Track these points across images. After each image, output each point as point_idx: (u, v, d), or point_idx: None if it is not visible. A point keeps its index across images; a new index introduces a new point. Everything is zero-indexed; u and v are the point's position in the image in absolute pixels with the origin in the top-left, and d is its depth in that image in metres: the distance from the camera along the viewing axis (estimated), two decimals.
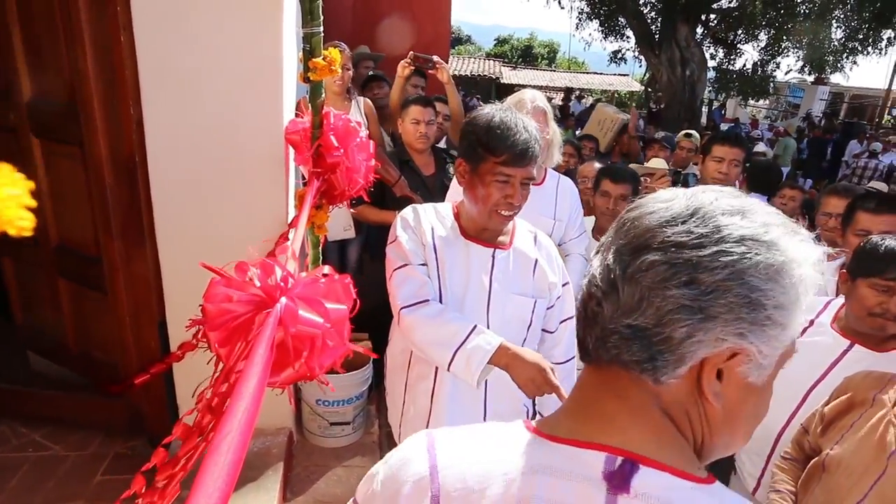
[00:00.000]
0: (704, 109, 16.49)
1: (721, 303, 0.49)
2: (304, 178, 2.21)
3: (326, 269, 1.29)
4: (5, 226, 0.27)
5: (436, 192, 2.67)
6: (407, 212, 1.50)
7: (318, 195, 1.90)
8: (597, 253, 0.58)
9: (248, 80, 1.80)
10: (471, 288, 1.41)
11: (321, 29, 1.75)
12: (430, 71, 2.97)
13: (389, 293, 1.45)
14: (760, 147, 7.50)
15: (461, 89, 15.09)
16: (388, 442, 2.50)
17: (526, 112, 1.95)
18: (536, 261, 1.46)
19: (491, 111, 1.36)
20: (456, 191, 2.18)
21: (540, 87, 19.13)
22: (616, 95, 20.66)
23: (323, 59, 1.78)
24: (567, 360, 1.55)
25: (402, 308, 1.38)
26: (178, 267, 2.01)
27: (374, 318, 2.51)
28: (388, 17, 5.67)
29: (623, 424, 0.54)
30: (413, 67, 2.94)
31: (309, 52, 1.76)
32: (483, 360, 1.28)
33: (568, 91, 17.81)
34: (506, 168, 1.31)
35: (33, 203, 0.30)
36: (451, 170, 2.73)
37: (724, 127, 14.19)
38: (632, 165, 3.54)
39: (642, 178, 2.97)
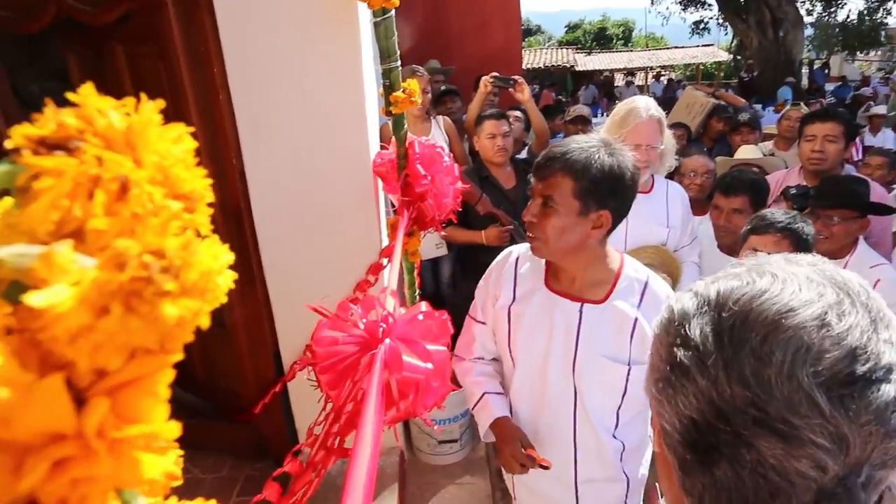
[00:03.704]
0: (805, 71, 15.12)
1: None
2: (393, 205, 2.28)
3: (424, 305, 1.32)
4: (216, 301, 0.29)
5: (518, 204, 2.65)
6: (500, 257, 1.42)
7: (409, 223, 1.96)
8: (770, 385, 0.41)
9: (334, 122, 1.89)
10: (554, 348, 1.27)
11: (399, 63, 1.80)
12: (510, 90, 2.96)
13: None
14: (879, 109, 6.63)
15: (535, 81, 14.86)
16: (495, 455, 2.52)
17: (640, 121, 1.91)
18: (636, 320, 1.23)
19: (610, 158, 1.17)
20: None
21: (618, 70, 18.47)
22: (702, 68, 19.44)
23: (403, 91, 1.83)
24: None
25: (453, 355, 1.45)
26: (286, 300, 2.14)
27: None
28: (459, 29, 5.71)
29: None
30: (494, 86, 2.94)
31: (389, 87, 1.81)
32: (483, 428, 1.39)
33: (629, 74, 16.90)
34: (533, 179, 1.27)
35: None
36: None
37: (829, 87, 12.94)
38: (718, 159, 3.25)
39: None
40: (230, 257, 0.29)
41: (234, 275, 0.29)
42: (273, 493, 1.20)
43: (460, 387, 2.36)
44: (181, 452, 0.33)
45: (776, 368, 0.41)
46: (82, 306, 0.25)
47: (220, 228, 2.10)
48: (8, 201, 0.29)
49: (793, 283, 0.44)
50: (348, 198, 1.99)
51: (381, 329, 1.21)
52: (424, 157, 1.93)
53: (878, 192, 2.36)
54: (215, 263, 0.28)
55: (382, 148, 2.03)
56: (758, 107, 7.65)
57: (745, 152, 3.33)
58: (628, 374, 1.24)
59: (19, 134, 0.27)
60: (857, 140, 4.82)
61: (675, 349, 0.46)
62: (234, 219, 2.08)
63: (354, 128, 1.91)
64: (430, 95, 3.04)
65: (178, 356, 0.28)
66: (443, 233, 2.55)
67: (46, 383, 0.25)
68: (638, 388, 1.26)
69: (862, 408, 0.39)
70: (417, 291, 2.26)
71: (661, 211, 2.05)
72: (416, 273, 2.23)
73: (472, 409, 1.44)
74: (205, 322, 0.27)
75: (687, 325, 0.46)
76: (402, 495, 2.21)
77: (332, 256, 2.04)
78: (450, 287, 3.24)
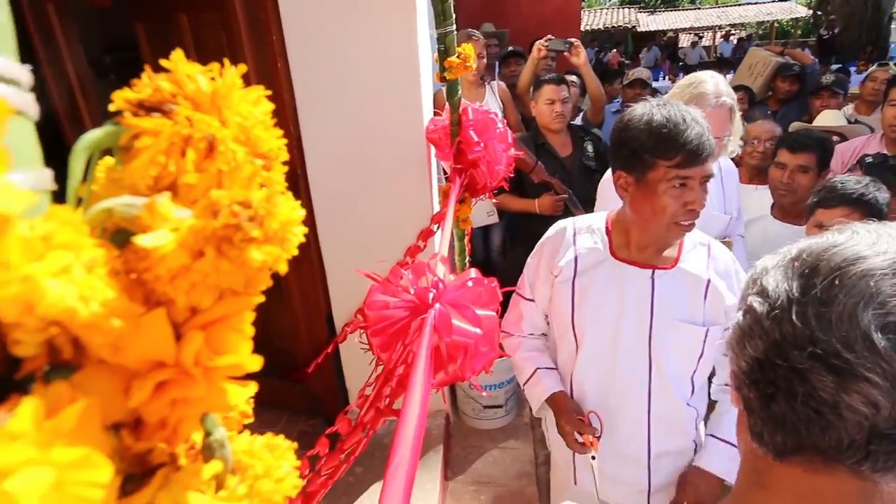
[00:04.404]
0: (894, 27, 13.84)
1: None
2: (445, 172, 2.29)
3: (473, 272, 1.33)
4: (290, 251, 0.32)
5: (574, 172, 2.60)
6: (552, 231, 1.39)
7: (461, 190, 1.96)
8: (829, 324, 0.43)
9: (388, 88, 1.90)
10: (627, 317, 1.26)
11: (454, 28, 1.78)
12: (565, 53, 2.87)
13: None
14: None
15: (595, 43, 14.29)
16: (539, 423, 2.55)
17: (708, 111, 1.64)
18: (709, 281, 1.24)
19: (646, 109, 1.18)
20: (605, 199, 2.07)
21: (684, 30, 17.48)
22: (777, 26, 18.11)
23: (457, 56, 1.81)
24: None
25: (501, 330, 1.47)
26: (339, 266, 2.21)
27: None
28: None
29: None
30: (548, 51, 2.87)
31: (444, 52, 1.80)
32: (537, 403, 1.41)
33: (695, 34, 15.85)
34: (682, 170, 1.12)
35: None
36: (590, 148, 2.64)
37: None
38: (795, 124, 3.05)
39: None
40: (303, 212, 0.32)
41: (305, 228, 0.32)
42: (324, 448, 1.27)
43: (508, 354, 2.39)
44: (252, 393, 0.37)
45: (838, 310, 0.42)
46: (181, 249, 0.29)
47: None
48: (110, 160, 0.33)
49: (871, 236, 0.45)
50: (401, 164, 2.01)
51: (431, 294, 1.24)
52: (478, 124, 1.92)
53: None
54: (294, 214, 0.31)
55: (436, 114, 2.03)
56: (835, 68, 7.08)
57: (827, 118, 3.09)
58: (706, 337, 1.25)
59: (121, 98, 0.31)
60: None
61: (751, 297, 0.49)
62: (290, 185, 2.11)
63: (409, 94, 1.92)
64: (485, 60, 2.99)
65: (260, 298, 0.32)
66: (495, 200, 2.55)
67: (152, 315, 0.29)
68: (711, 351, 1.27)
69: None
70: (467, 259, 2.28)
71: (718, 197, 1.90)
72: (466, 240, 2.24)
73: (524, 384, 1.44)
74: (283, 268, 0.31)
75: (764, 277, 0.49)
76: (447, 456, 2.28)
77: (385, 222, 2.08)
78: (500, 255, 3.25)
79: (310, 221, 2.15)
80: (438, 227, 2.06)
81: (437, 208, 2.14)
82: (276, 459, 0.38)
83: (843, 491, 0.46)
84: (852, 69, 7.21)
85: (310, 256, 2.23)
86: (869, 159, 2.19)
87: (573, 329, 1.33)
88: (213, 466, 0.34)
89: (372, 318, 1.29)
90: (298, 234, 0.31)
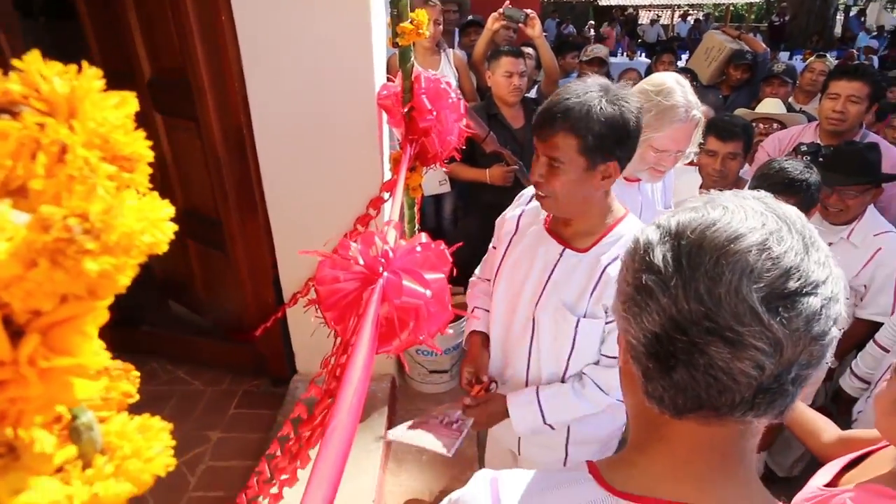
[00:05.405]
0: (839, 18, 14.38)
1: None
2: (398, 139, 2.27)
3: (423, 237, 1.35)
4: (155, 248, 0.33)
5: (526, 144, 2.62)
6: (522, 194, 1.48)
7: (412, 158, 1.95)
8: (720, 300, 0.47)
9: (339, 50, 1.85)
10: (529, 282, 1.32)
11: None
12: (520, 24, 2.86)
13: None
14: None
15: (556, 15, 14.19)
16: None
17: (677, 126, 1.54)
18: (602, 274, 1.22)
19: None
20: None
21: (644, 7, 17.58)
22: (732, 9, 18.48)
23: (410, 22, 1.78)
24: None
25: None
26: (287, 230, 2.18)
27: (467, 272, 2.59)
28: None
29: (718, 479, 0.54)
30: (503, 21, 2.85)
31: (396, 17, 1.76)
32: (463, 338, 1.54)
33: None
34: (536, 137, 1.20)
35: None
36: None
37: (864, 38, 12.35)
38: (739, 111, 3.16)
39: (753, 125, 2.64)
40: (169, 211, 0.33)
41: (173, 227, 0.33)
42: (304, 412, 1.30)
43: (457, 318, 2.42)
44: (137, 374, 0.40)
45: (725, 286, 0.47)
46: (14, 259, 0.29)
47: (222, 155, 2.11)
48: None
49: (740, 213, 0.50)
50: (352, 129, 1.98)
51: (380, 264, 1.24)
52: (430, 92, 1.90)
53: (891, 155, 2.31)
54: (138, 224, 0.32)
55: (389, 80, 1.99)
56: (784, 55, 7.33)
57: (768, 106, 3.19)
58: (577, 325, 1.26)
59: None
60: None
61: (641, 273, 0.52)
62: (236, 146, 2.08)
63: (360, 58, 1.87)
64: (441, 27, 2.94)
65: (108, 302, 0.33)
66: (446, 169, 2.55)
67: None
68: (587, 343, 1.28)
69: (793, 316, 0.46)
70: (417, 227, 2.29)
71: (662, 194, 1.92)
72: (416, 209, 2.25)
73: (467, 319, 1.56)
74: (130, 274, 0.32)
75: (651, 253, 0.52)
76: (392, 418, 2.33)
77: (334, 188, 2.05)
78: (451, 224, 3.27)
79: (256, 184, 2.10)
80: (389, 195, 2.05)
81: (388, 175, 2.13)
82: (147, 440, 0.39)
83: (729, 436, 0.54)
84: (798, 57, 7.47)
85: (256, 220, 2.19)
86: (804, 148, 2.30)
87: (495, 277, 1.42)
88: (65, 451, 0.35)
89: (323, 292, 1.28)
90: (155, 237, 0.32)
